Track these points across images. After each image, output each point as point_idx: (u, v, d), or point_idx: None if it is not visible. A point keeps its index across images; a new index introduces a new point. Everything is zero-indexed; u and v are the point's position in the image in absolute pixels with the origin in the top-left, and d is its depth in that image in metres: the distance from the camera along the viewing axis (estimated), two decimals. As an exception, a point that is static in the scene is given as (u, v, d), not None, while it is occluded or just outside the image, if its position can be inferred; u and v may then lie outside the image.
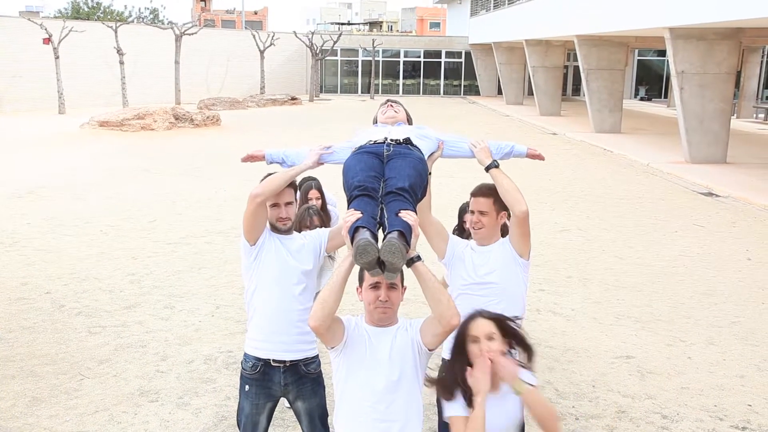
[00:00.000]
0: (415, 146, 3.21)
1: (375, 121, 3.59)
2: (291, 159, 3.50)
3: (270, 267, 3.42)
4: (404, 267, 2.86)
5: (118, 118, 21.07)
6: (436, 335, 2.83)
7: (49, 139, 18.98)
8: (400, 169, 3.04)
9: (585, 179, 14.14)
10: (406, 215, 2.84)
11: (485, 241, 3.48)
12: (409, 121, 3.60)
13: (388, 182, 3.00)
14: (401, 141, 3.20)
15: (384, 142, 3.17)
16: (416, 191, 3.02)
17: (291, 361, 3.46)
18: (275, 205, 3.43)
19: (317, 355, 3.55)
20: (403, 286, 2.93)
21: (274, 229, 3.49)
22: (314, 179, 5.00)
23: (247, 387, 3.51)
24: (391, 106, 3.53)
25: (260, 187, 3.30)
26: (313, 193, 4.85)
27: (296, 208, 3.64)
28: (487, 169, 3.40)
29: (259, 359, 3.46)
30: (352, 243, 2.76)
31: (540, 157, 3.60)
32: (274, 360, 3.45)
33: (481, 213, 3.42)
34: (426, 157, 3.25)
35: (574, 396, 5.11)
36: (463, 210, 4.65)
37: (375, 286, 2.84)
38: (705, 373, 5.53)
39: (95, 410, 4.80)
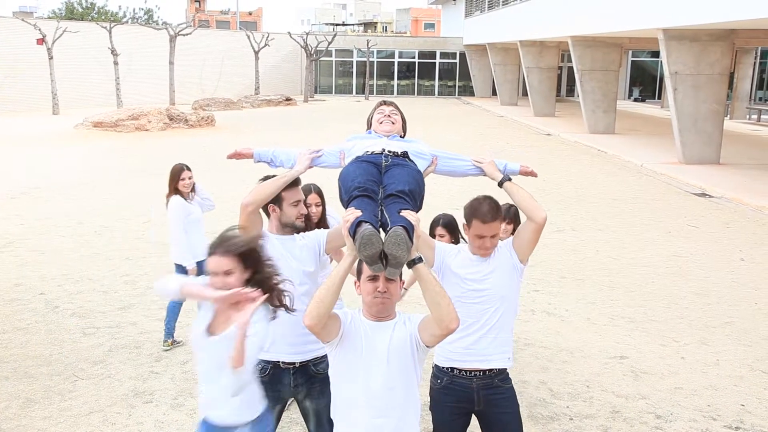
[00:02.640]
0: (412, 160, 3.23)
1: (369, 123, 3.59)
2: (279, 159, 3.49)
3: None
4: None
5: (113, 119, 21.04)
6: (433, 336, 2.83)
7: (43, 140, 18.92)
8: (399, 176, 3.06)
9: (579, 180, 14.17)
10: (408, 214, 2.85)
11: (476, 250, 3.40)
12: (404, 126, 3.59)
13: (388, 187, 3.02)
14: (399, 153, 3.21)
15: (382, 153, 3.18)
16: (415, 197, 3.03)
17: (300, 362, 3.46)
18: (297, 203, 3.44)
19: (327, 354, 3.53)
20: (401, 280, 2.93)
21: (290, 228, 3.48)
22: (313, 184, 4.97)
23: None
24: (389, 116, 3.50)
25: (251, 196, 3.30)
26: (313, 198, 4.49)
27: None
28: (500, 183, 3.39)
29: (268, 362, 3.46)
30: (353, 239, 2.76)
31: (533, 174, 3.61)
32: (283, 362, 3.45)
33: (493, 237, 3.31)
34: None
35: (569, 396, 5.12)
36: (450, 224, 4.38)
37: (373, 278, 2.83)
38: (698, 374, 5.55)
39: (89, 411, 4.80)
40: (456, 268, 3.38)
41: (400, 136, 3.51)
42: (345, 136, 3.59)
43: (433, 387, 3.48)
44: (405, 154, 3.23)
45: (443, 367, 3.43)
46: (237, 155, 3.52)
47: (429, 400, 3.51)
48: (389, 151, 3.20)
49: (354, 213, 2.84)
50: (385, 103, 3.61)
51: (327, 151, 3.45)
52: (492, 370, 3.38)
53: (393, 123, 3.48)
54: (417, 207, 3.04)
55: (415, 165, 3.24)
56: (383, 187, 3.03)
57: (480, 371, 3.37)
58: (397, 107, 3.60)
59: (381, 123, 3.49)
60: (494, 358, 3.38)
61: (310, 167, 3.45)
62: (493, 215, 3.26)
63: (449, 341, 3.35)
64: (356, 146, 3.33)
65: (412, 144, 3.39)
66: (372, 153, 3.20)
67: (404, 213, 2.85)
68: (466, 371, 3.37)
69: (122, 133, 20.46)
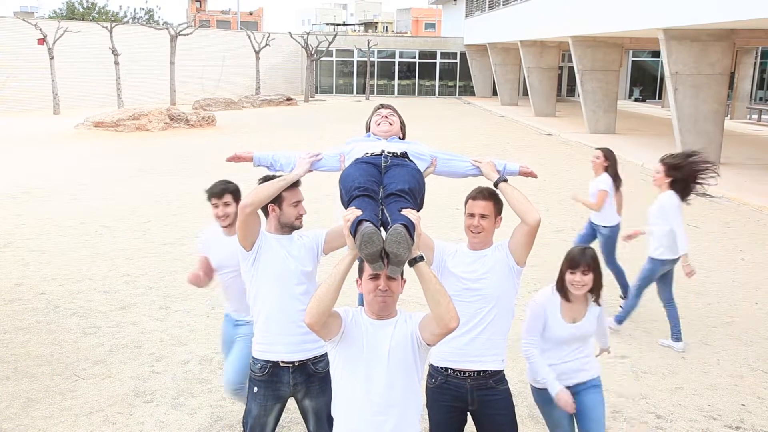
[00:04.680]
0: (411, 160, 3.24)
1: (368, 128, 3.58)
2: (279, 163, 3.49)
3: (270, 269, 3.43)
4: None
5: (113, 119, 21.04)
6: (434, 334, 2.83)
7: (44, 140, 18.93)
8: (399, 176, 3.07)
9: (579, 180, 14.16)
10: (409, 212, 2.85)
11: (481, 246, 3.43)
12: (403, 128, 3.59)
13: (388, 186, 3.02)
14: (398, 154, 3.21)
15: (381, 154, 3.18)
16: (416, 196, 3.04)
17: (299, 361, 3.47)
18: (297, 203, 3.47)
19: (326, 353, 3.53)
20: (402, 278, 2.92)
21: (288, 228, 3.50)
22: None
23: (255, 389, 3.52)
24: (386, 117, 3.50)
25: (249, 198, 3.31)
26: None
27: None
28: (496, 184, 3.40)
29: (267, 361, 3.48)
30: (354, 237, 2.76)
31: (532, 175, 3.62)
32: (282, 361, 3.46)
33: (483, 216, 3.38)
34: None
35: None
36: None
37: (375, 276, 2.83)
38: (699, 373, 5.56)
39: (90, 411, 4.80)
40: (453, 267, 3.39)
41: (399, 138, 3.51)
42: (345, 136, 3.59)
43: (428, 386, 3.49)
44: (404, 155, 3.24)
45: (438, 367, 3.44)
46: (236, 158, 3.51)
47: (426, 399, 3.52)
48: (389, 152, 3.21)
49: (354, 212, 2.84)
50: (383, 106, 3.62)
51: (327, 154, 3.45)
52: (486, 371, 3.39)
53: (391, 124, 3.48)
54: (418, 205, 3.04)
55: (415, 164, 3.25)
56: (383, 187, 3.03)
57: (474, 372, 3.38)
58: (395, 110, 3.59)
59: (379, 124, 3.49)
60: (488, 359, 3.40)
61: (310, 171, 3.46)
62: (483, 195, 3.40)
63: (444, 341, 3.37)
64: (355, 149, 3.33)
65: (411, 145, 3.40)
66: (371, 154, 3.20)
67: (405, 211, 2.86)
68: (460, 371, 3.39)
69: (123, 133, 20.46)
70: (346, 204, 3.03)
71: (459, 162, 3.50)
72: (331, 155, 3.44)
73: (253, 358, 3.54)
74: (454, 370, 3.39)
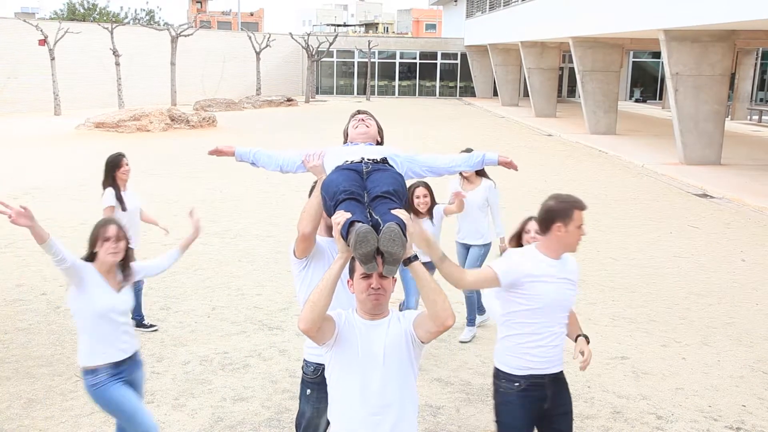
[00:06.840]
0: (392, 165, 3.24)
1: (345, 135, 3.57)
2: (261, 162, 3.48)
3: (321, 274, 3.42)
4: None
5: (114, 120, 21.07)
6: (429, 332, 2.83)
7: (45, 141, 18.94)
8: (381, 180, 3.06)
9: (580, 181, 14.17)
10: (399, 212, 2.84)
11: (557, 253, 3.41)
12: (381, 133, 3.57)
13: (372, 190, 3.00)
14: (378, 159, 3.21)
15: (361, 161, 3.18)
16: (401, 198, 3.02)
17: None
18: None
19: None
20: (393, 277, 2.90)
21: (329, 231, 3.52)
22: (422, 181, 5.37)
23: (308, 391, 3.53)
24: (363, 120, 3.49)
25: (309, 225, 3.33)
26: (420, 191, 5.65)
27: None
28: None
29: (320, 364, 3.44)
30: (346, 239, 2.75)
31: (512, 165, 3.58)
32: None
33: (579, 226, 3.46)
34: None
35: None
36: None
37: (367, 275, 2.82)
38: (699, 374, 5.56)
39: (91, 411, 4.80)
40: (542, 277, 3.38)
41: (377, 142, 3.51)
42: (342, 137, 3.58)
43: (506, 391, 3.45)
44: (384, 160, 3.23)
45: (519, 375, 3.42)
46: (218, 152, 3.51)
47: (495, 405, 3.53)
48: (368, 159, 3.20)
49: (344, 215, 2.81)
50: (359, 111, 3.62)
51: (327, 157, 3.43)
52: (561, 371, 3.50)
53: (368, 126, 3.48)
54: (404, 206, 3.04)
55: (395, 169, 3.23)
56: (367, 192, 3.02)
57: (552, 374, 3.46)
58: (371, 115, 3.59)
59: (356, 127, 3.48)
60: (560, 361, 3.49)
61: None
62: (582, 203, 3.38)
63: (527, 351, 3.39)
64: (337, 157, 3.30)
65: (387, 149, 3.39)
66: (351, 162, 3.19)
67: (395, 211, 2.84)
68: (542, 375, 3.43)
69: (124, 133, 20.48)
70: (332, 209, 3.01)
71: (440, 163, 3.52)
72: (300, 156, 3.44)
73: (306, 361, 3.55)
74: (536, 375, 3.42)
